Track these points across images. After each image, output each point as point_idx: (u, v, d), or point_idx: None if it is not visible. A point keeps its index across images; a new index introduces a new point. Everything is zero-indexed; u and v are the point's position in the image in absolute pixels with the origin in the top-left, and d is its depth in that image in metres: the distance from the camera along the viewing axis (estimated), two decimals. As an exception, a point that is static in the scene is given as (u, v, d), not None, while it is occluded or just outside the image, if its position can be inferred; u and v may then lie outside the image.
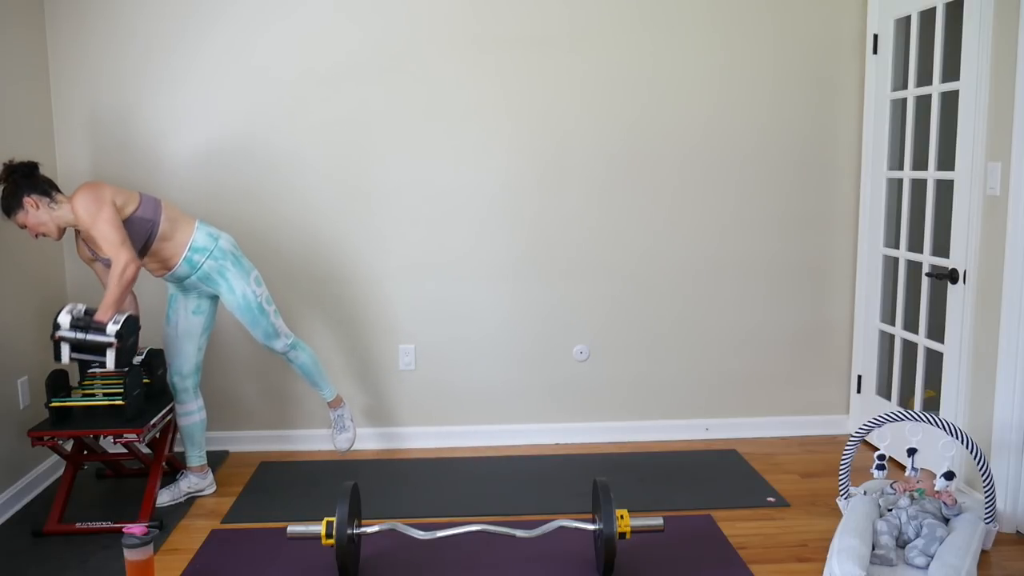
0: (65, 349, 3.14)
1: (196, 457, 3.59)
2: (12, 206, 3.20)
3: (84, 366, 3.42)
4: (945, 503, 2.95)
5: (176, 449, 3.86)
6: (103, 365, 3.18)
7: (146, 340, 3.98)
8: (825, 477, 3.71)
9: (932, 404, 3.87)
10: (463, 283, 4.09)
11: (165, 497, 3.49)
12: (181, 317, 3.49)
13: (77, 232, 3.37)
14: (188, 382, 3.53)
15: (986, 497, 2.93)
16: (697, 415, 4.25)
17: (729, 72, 4.04)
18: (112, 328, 3.15)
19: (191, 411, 3.56)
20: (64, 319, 3.12)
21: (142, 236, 3.29)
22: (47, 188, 3.22)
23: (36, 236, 3.26)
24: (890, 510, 2.95)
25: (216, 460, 3.95)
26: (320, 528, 2.80)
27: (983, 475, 2.91)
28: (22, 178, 3.19)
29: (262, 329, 3.51)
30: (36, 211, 3.19)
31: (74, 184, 3.91)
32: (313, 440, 4.14)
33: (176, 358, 3.52)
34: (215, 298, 3.54)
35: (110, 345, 3.14)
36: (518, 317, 4.12)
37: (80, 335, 3.13)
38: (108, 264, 3.32)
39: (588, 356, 4.18)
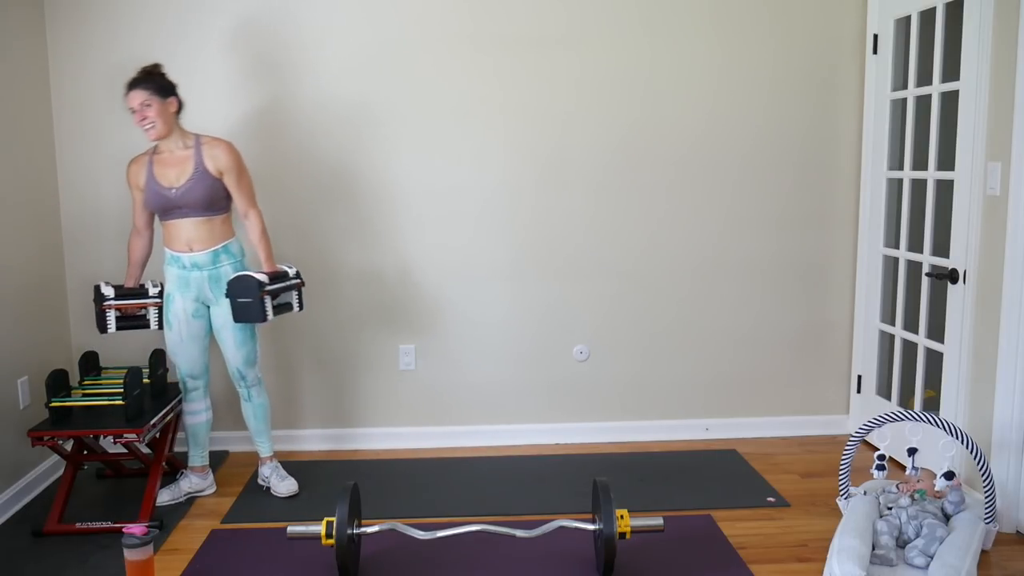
0: (269, 303, 3.33)
1: (199, 457, 3.59)
2: (169, 88, 3.36)
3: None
4: (949, 500, 2.95)
5: (177, 449, 3.86)
6: (290, 309, 3.48)
7: (147, 340, 3.99)
8: (825, 477, 3.71)
9: (932, 404, 3.86)
10: (463, 283, 4.09)
11: (165, 496, 3.49)
12: (182, 320, 3.44)
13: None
14: (199, 382, 3.53)
15: (986, 497, 2.93)
16: (697, 415, 4.25)
17: (728, 72, 4.04)
18: (292, 271, 3.49)
19: (198, 411, 3.56)
20: (263, 276, 3.32)
21: (227, 200, 3.44)
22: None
23: (144, 120, 3.30)
24: (890, 508, 2.95)
25: (216, 460, 3.95)
26: (320, 528, 2.80)
27: (983, 475, 2.91)
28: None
29: (244, 353, 3.49)
30: (172, 112, 3.36)
31: (77, 185, 3.92)
32: (313, 440, 4.14)
33: (185, 361, 3.48)
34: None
35: (296, 287, 3.46)
36: (518, 317, 4.12)
37: (279, 284, 3.39)
38: (147, 235, 3.48)
39: (588, 356, 4.18)
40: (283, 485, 3.58)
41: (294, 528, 2.84)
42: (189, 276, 3.40)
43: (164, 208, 3.37)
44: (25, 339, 3.61)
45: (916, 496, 2.98)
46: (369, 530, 2.86)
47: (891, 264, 4.01)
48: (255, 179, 3.95)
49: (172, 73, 3.87)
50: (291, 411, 4.13)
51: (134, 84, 3.32)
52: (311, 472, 3.82)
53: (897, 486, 3.07)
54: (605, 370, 4.19)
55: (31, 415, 3.62)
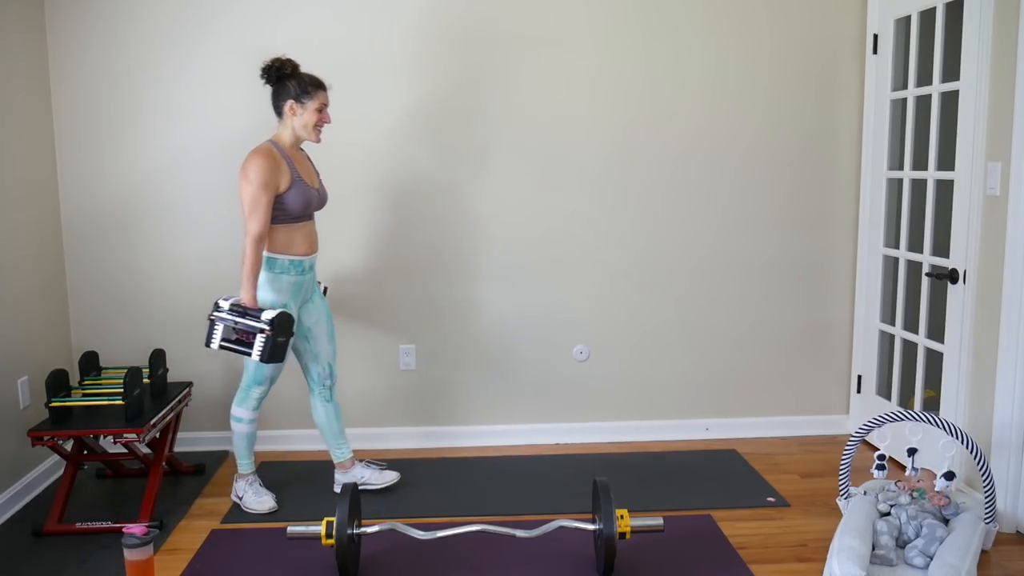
0: None
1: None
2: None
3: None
4: (945, 511, 2.94)
5: (177, 449, 3.86)
6: None
7: (147, 340, 3.99)
8: (825, 477, 3.71)
9: (932, 404, 3.87)
10: (463, 283, 4.09)
11: (372, 474, 3.57)
12: (305, 325, 3.41)
13: (282, 192, 3.20)
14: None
15: (986, 497, 2.93)
16: (697, 415, 4.25)
17: (729, 72, 4.04)
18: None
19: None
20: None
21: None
22: None
23: (325, 121, 3.31)
24: (891, 505, 2.95)
25: (216, 460, 3.95)
26: (320, 528, 2.80)
27: (983, 475, 2.91)
28: None
29: (334, 347, 3.51)
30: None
31: (77, 185, 3.92)
32: (313, 440, 4.13)
33: (315, 363, 3.45)
34: None
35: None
36: (518, 317, 4.12)
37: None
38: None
39: (588, 356, 4.18)
40: (381, 476, 3.58)
41: (294, 528, 2.84)
42: (304, 280, 3.33)
43: (306, 209, 3.28)
44: (25, 339, 3.61)
45: (915, 495, 2.98)
46: (369, 530, 2.86)
47: (891, 264, 4.01)
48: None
49: (169, 73, 3.89)
50: (291, 411, 4.12)
51: (324, 85, 3.30)
52: (311, 472, 3.82)
53: (896, 483, 3.07)
54: (605, 370, 4.19)
55: (31, 415, 3.62)
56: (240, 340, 3.14)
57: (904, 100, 3.85)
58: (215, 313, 3.17)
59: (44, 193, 3.81)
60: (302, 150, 3.42)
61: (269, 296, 3.23)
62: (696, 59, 4.02)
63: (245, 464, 3.47)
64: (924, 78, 3.70)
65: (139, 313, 4.00)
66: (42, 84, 3.82)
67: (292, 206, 3.21)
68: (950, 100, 3.56)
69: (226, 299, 3.18)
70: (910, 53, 3.72)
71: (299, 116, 3.26)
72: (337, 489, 3.56)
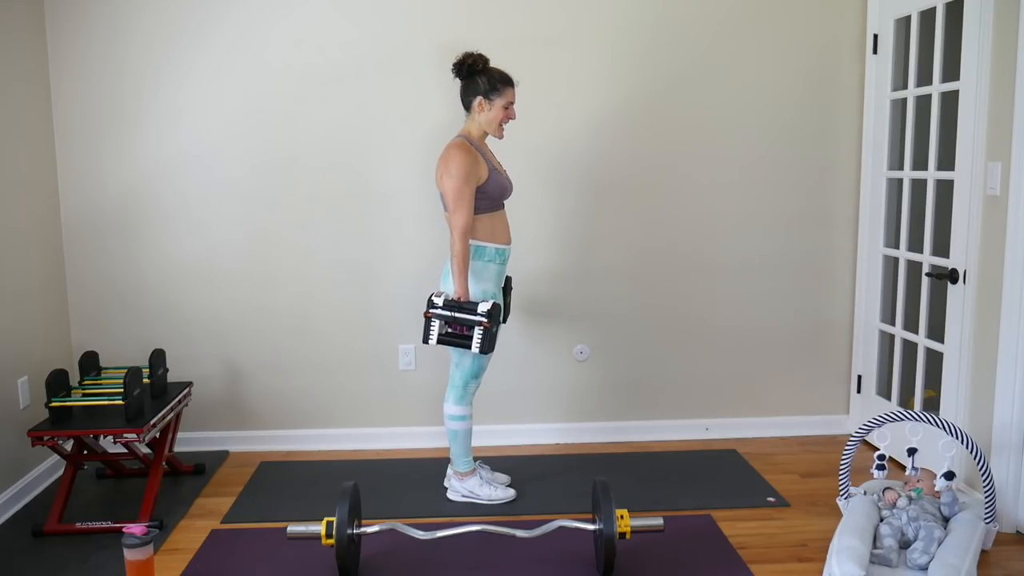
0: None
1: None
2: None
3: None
4: (943, 502, 2.94)
5: (177, 449, 3.86)
6: None
7: (147, 340, 3.99)
8: (825, 477, 3.71)
9: (932, 404, 3.87)
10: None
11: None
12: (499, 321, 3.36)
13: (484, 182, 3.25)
14: None
15: (986, 497, 2.93)
16: (697, 415, 4.25)
17: (729, 71, 4.04)
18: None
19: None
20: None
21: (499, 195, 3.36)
22: None
23: (506, 121, 3.31)
24: (891, 512, 2.95)
25: (216, 460, 3.95)
26: (320, 528, 2.80)
27: (983, 475, 2.91)
28: None
29: None
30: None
31: (77, 185, 3.92)
32: (313, 440, 4.13)
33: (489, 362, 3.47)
34: None
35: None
36: (518, 317, 4.12)
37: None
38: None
39: (588, 356, 4.18)
40: (491, 475, 3.56)
41: (294, 528, 2.84)
42: (504, 270, 3.37)
43: (502, 195, 3.33)
44: (25, 339, 3.61)
45: (913, 495, 2.98)
46: (369, 530, 2.87)
47: (891, 264, 4.01)
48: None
49: (170, 73, 3.89)
50: (291, 411, 4.12)
51: (513, 82, 3.30)
52: (311, 472, 3.82)
53: (884, 492, 3.05)
54: (605, 370, 4.19)
55: (31, 415, 3.61)
56: (455, 334, 3.20)
57: (904, 100, 3.85)
58: (432, 310, 3.20)
59: (44, 193, 3.81)
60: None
61: (474, 287, 3.26)
62: (696, 59, 4.01)
63: (468, 461, 3.47)
64: (924, 78, 3.70)
65: (139, 313, 4.00)
66: (42, 84, 3.81)
67: (492, 193, 3.26)
68: (950, 100, 3.56)
69: (438, 295, 3.22)
70: (910, 53, 3.72)
71: (486, 112, 3.27)
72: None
